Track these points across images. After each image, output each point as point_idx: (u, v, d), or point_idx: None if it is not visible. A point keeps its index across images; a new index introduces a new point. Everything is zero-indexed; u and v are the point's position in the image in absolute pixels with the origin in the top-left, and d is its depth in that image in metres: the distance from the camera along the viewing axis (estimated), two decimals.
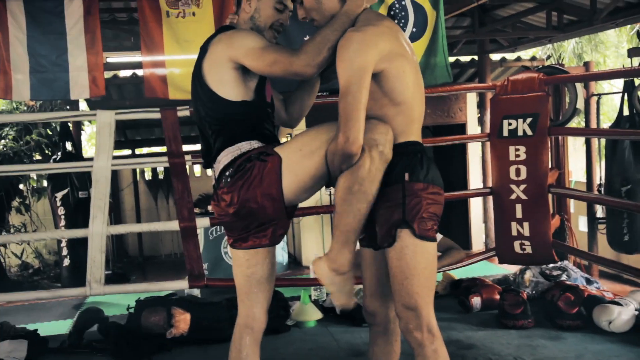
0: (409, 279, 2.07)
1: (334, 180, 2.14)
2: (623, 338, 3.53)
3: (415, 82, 2.14)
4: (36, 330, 3.92)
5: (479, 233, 8.02)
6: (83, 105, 8.31)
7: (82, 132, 7.70)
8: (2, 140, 7.21)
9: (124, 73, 7.82)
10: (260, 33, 2.29)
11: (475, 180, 7.98)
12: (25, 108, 7.39)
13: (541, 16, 6.93)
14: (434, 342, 2.09)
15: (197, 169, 9.39)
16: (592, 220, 5.83)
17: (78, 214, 6.14)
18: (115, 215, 8.40)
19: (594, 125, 6.27)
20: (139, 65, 6.63)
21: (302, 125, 7.15)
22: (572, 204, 6.21)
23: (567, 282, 4.18)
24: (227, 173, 2.19)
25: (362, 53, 1.97)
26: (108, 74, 7.62)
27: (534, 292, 4.30)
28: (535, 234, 3.87)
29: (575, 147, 12.50)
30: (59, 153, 6.34)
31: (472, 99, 8.10)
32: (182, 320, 3.84)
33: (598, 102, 6.33)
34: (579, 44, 13.98)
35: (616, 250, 5.11)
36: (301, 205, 2.58)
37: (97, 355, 3.69)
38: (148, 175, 9.45)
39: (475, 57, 8.10)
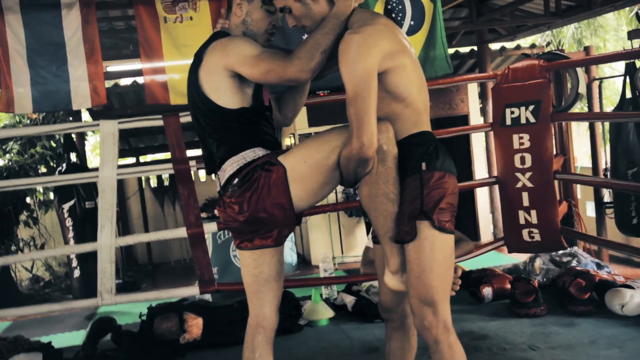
0: (426, 273, 2.05)
1: (346, 181, 2.14)
2: (636, 321, 3.53)
3: (417, 75, 2.14)
4: (50, 342, 3.94)
5: (486, 223, 8.01)
6: (85, 115, 8.34)
7: (85, 142, 7.73)
8: (7, 155, 7.24)
9: (125, 81, 7.84)
10: (254, 37, 2.29)
11: (480, 170, 7.97)
12: (28, 121, 7.41)
13: (539, 3, 6.90)
14: (449, 338, 2.07)
15: (202, 173, 9.41)
16: (600, 204, 5.81)
17: (86, 224, 6.16)
18: (123, 223, 8.41)
19: (597, 109, 6.25)
20: (139, 73, 6.64)
21: (304, 123, 7.17)
22: (579, 189, 6.20)
23: (578, 268, 4.18)
24: (233, 182, 2.19)
25: (364, 55, 1.96)
26: (109, 83, 7.65)
27: (544, 279, 4.29)
28: (543, 222, 3.85)
29: (579, 132, 12.48)
30: (64, 164, 6.36)
31: (473, 89, 8.08)
32: (195, 325, 3.85)
33: (600, 86, 6.31)
34: (578, 29, 13.94)
35: (625, 234, 5.09)
36: None
37: None
38: (153, 183, 9.46)
39: (475, 48, 8.09)
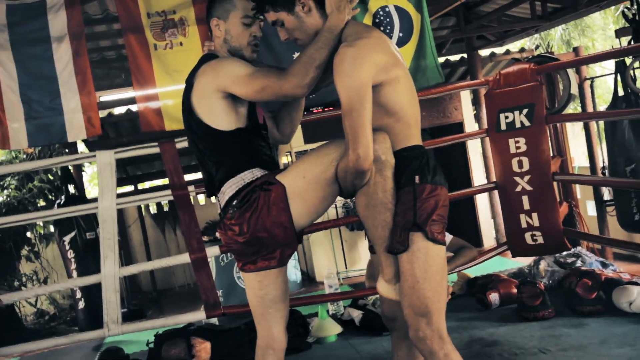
0: (420, 283, 2.05)
1: (345, 193, 2.14)
2: None
3: (409, 88, 2.15)
4: None
5: (488, 229, 8.00)
6: (81, 146, 8.34)
7: (83, 173, 7.73)
8: (5, 191, 7.24)
9: (119, 110, 7.87)
10: (238, 54, 2.29)
11: (478, 177, 7.98)
12: (24, 156, 7.42)
13: (525, 7, 6.96)
14: (444, 347, 2.06)
15: (201, 197, 9.40)
16: (600, 203, 5.82)
17: (88, 256, 6.15)
18: (125, 252, 8.40)
19: (590, 109, 6.27)
20: (132, 101, 6.67)
21: (299, 140, 7.18)
22: (578, 189, 6.20)
23: (583, 268, 4.17)
24: (233, 203, 2.19)
25: (358, 68, 1.97)
26: (103, 113, 7.66)
27: (550, 281, 4.28)
28: (545, 224, 3.85)
29: (574, 133, 12.51)
30: (63, 197, 6.35)
31: (466, 96, 8.11)
32: (203, 350, 3.83)
33: (592, 86, 6.34)
34: (566, 31, 14.02)
35: (628, 231, 5.09)
36: None
37: None
38: (153, 209, 9.46)
39: (465, 55, 8.13)
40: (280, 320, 2.34)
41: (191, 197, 3.78)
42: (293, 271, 6.79)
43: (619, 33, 5.28)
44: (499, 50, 8.64)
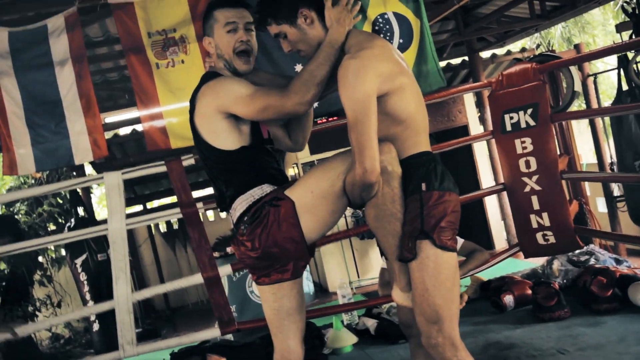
0: (430, 291, 2.05)
1: (355, 204, 2.14)
2: None
3: (415, 94, 2.14)
4: None
5: (499, 231, 7.97)
6: (89, 168, 8.39)
7: (91, 195, 7.76)
8: (16, 216, 7.27)
9: (124, 130, 7.90)
10: (231, 64, 2.28)
11: (486, 178, 7.96)
12: (32, 181, 7.46)
13: (524, 7, 6.96)
14: (457, 355, 2.05)
15: (211, 213, 9.41)
16: (610, 199, 5.79)
17: (100, 277, 6.16)
18: (137, 272, 8.41)
19: (594, 105, 6.26)
20: (137, 121, 6.69)
21: (305, 151, 7.19)
22: (588, 186, 6.18)
23: (597, 266, 4.13)
24: (244, 220, 2.20)
25: (362, 79, 1.96)
26: (108, 134, 7.71)
27: (564, 281, 4.25)
28: (556, 223, 3.83)
29: (580, 130, 12.46)
30: (72, 220, 6.38)
31: (469, 99, 8.11)
32: None
33: (595, 82, 6.33)
34: (566, 28, 14.00)
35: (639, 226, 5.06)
36: None
37: None
38: (163, 228, 9.48)
39: (466, 58, 8.14)
40: (297, 333, 2.33)
41: (200, 214, 3.79)
42: (305, 283, 6.77)
43: (619, 28, 5.27)
44: (500, 51, 8.64)
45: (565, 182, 3.98)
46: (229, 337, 4.65)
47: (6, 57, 3.96)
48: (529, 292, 4.02)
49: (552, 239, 3.88)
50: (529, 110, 3.83)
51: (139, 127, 7.14)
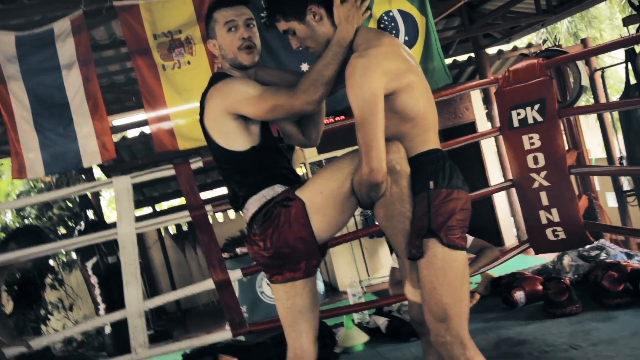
0: (437, 289, 2.04)
1: (364, 204, 2.14)
2: None
3: (424, 91, 2.13)
4: None
5: (508, 227, 7.95)
6: (97, 171, 8.42)
7: (100, 198, 7.79)
8: (26, 220, 7.32)
9: (132, 133, 7.94)
10: (236, 62, 2.28)
11: (494, 175, 7.94)
12: (42, 185, 7.50)
13: (530, 2, 6.94)
14: (465, 353, 2.03)
15: (219, 214, 9.43)
16: (620, 194, 5.76)
17: (111, 280, 6.19)
18: (147, 274, 8.43)
19: (602, 99, 6.23)
20: (144, 123, 6.72)
21: (313, 151, 7.19)
22: (597, 181, 6.15)
23: (608, 261, 4.11)
24: (256, 219, 2.21)
25: (369, 78, 1.96)
26: (116, 137, 7.74)
27: (575, 276, 4.23)
28: (566, 219, 3.81)
29: (588, 125, 12.41)
30: (82, 223, 6.41)
31: (476, 96, 8.10)
32: None
33: (603, 76, 6.31)
34: (572, 23, 13.94)
35: None
36: None
37: None
38: (172, 230, 9.50)
39: (472, 54, 8.12)
40: (309, 331, 2.34)
41: (209, 216, 3.79)
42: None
43: (626, 21, 5.24)
44: (506, 47, 8.62)
45: (574, 177, 3.96)
46: (241, 337, 4.66)
47: (13, 62, 3.99)
48: (540, 288, 4.00)
49: (562, 235, 3.87)
50: (536, 106, 3.81)
51: (146, 129, 7.17)
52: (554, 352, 3.23)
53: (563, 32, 13.93)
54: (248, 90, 2.16)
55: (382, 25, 4.28)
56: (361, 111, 1.97)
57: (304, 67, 4.12)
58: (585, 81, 4.14)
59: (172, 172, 3.70)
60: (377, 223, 2.19)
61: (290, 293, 2.29)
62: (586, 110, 5.54)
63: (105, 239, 3.82)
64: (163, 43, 4.09)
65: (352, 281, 4.71)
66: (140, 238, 8.44)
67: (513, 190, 4.49)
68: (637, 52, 4.67)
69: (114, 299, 6.18)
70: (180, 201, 10.78)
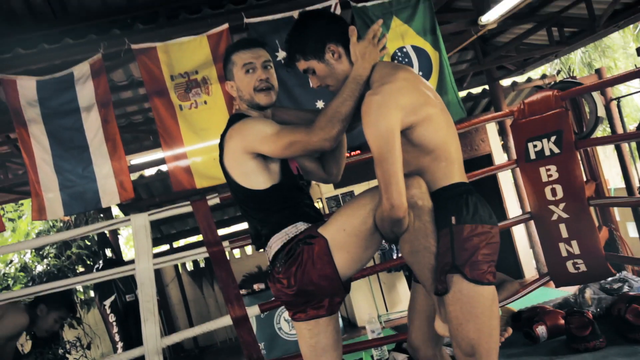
0: (464, 325, 2.03)
1: (388, 239, 2.14)
2: None
3: (444, 123, 2.12)
4: None
5: (528, 259, 7.86)
6: (115, 209, 8.48)
7: (119, 236, 7.83)
8: (45, 260, 7.37)
9: (149, 171, 8.00)
10: (253, 103, 2.31)
11: (512, 206, 7.89)
12: (61, 224, 7.56)
13: (542, 34, 6.97)
14: None
15: (237, 250, 9.42)
16: None
17: (129, 318, 6.19)
18: (165, 311, 8.42)
19: (619, 129, 6.20)
20: (162, 162, 6.78)
21: (329, 186, 7.20)
22: (617, 212, 6.08)
23: (631, 293, 4.04)
24: (279, 257, 2.22)
25: (384, 115, 1.96)
26: (134, 176, 7.81)
27: (598, 309, 4.16)
28: (586, 251, 3.77)
29: (606, 154, 12.34)
30: (100, 261, 6.44)
31: (492, 128, 8.09)
32: None
33: (619, 106, 6.28)
34: (586, 53, 13.98)
35: None
36: None
37: None
38: (190, 266, 9.50)
39: (486, 87, 8.14)
40: None
41: (227, 252, 3.80)
42: None
43: None
44: (520, 78, 8.64)
45: (593, 208, 3.92)
46: None
47: (34, 105, 4.07)
48: (562, 322, 3.94)
49: (582, 267, 3.82)
50: (553, 138, 3.80)
51: (163, 168, 7.24)
52: None
53: (577, 62, 13.96)
54: (265, 129, 2.18)
55: (396, 62, 4.32)
56: (379, 148, 1.98)
57: (319, 104, 4.16)
58: (601, 112, 4.14)
59: (189, 208, 3.72)
60: (399, 255, 2.18)
61: (314, 331, 2.29)
62: (603, 141, 5.52)
63: (123, 275, 3.83)
64: (180, 84, 4.15)
65: (370, 317, 4.67)
66: (158, 275, 8.46)
67: (532, 222, 4.45)
68: None
69: (132, 338, 6.18)
70: (197, 238, 10.79)
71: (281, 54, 4.12)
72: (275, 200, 2.25)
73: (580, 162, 4.12)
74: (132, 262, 3.82)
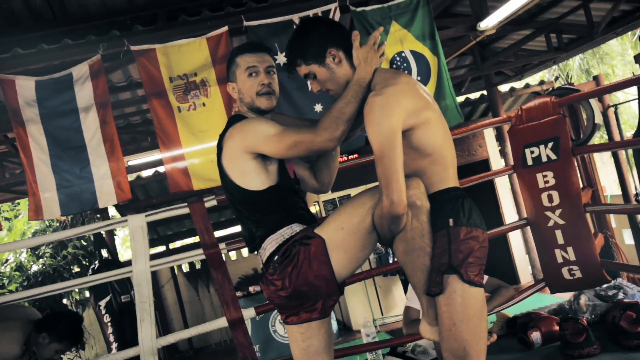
0: (457, 325, 2.04)
1: (384, 240, 2.15)
2: None
3: (441, 128, 2.16)
4: None
5: (524, 265, 7.87)
6: (112, 210, 8.47)
7: (115, 237, 7.82)
8: (40, 259, 7.35)
9: (146, 172, 7.99)
10: (254, 106, 2.32)
11: (508, 211, 7.90)
12: (57, 224, 7.55)
13: (541, 40, 6.99)
14: None
15: (233, 253, 9.43)
16: (637, 231, 5.70)
17: (124, 319, 6.18)
18: (160, 312, 8.41)
19: (616, 135, 6.21)
20: (159, 163, 6.78)
21: None
22: (613, 218, 6.09)
23: (626, 300, 4.05)
24: (274, 259, 2.21)
25: (387, 115, 2.00)
26: (131, 177, 7.81)
27: (593, 316, 4.17)
28: (582, 257, 3.78)
29: (603, 161, 12.37)
30: (96, 262, 6.43)
31: (489, 133, 8.11)
32: None
33: (616, 113, 6.30)
34: (584, 60, 14.01)
35: None
36: None
37: None
38: (186, 268, 9.51)
39: (484, 92, 8.15)
40: None
41: (223, 254, 3.80)
42: None
43: (638, 58, 5.26)
44: (518, 84, 8.66)
45: (589, 215, 3.93)
46: None
47: (33, 106, 4.06)
48: (557, 328, 3.95)
49: (578, 274, 3.83)
50: (550, 144, 3.81)
51: (161, 169, 7.23)
52: None
53: (575, 68, 14.00)
54: (269, 129, 2.18)
55: (394, 66, 4.33)
56: (381, 146, 2.00)
57: (318, 107, 4.16)
58: (598, 119, 4.15)
59: (186, 210, 3.72)
60: (395, 260, 2.19)
61: (306, 334, 2.29)
62: (600, 148, 5.54)
63: (120, 277, 3.83)
64: (179, 86, 4.15)
65: (365, 321, 4.67)
66: (154, 276, 8.42)
67: (528, 227, 4.46)
68: None
69: (127, 338, 6.16)
70: (193, 239, 10.80)
71: (280, 58, 4.13)
72: (271, 201, 2.25)
73: (577, 168, 4.13)
74: (128, 263, 3.81)
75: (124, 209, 7.48)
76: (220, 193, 3.42)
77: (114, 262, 6.56)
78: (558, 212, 3.80)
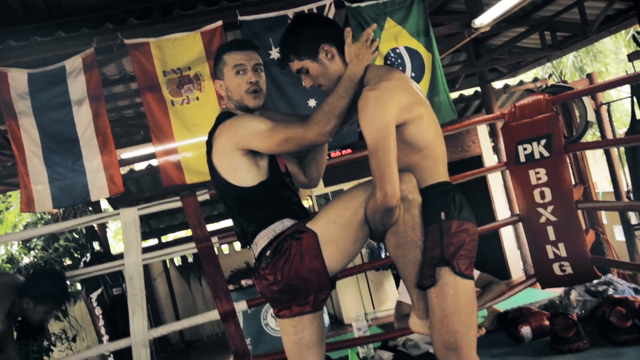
0: (449, 317, 2.06)
1: (375, 234, 2.16)
2: None
3: (433, 124, 2.19)
4: None
5: (515, 260, 7.91)
6: (104, 203, 8.45)
7: (107, 229, 7.81)
8: (32, 252, 7.33)
9: (139, 166, 7.98)
10: (241, 104, 2.32)
11: (501, 208, 7.93)
12: (49, 216, 7.53)
13: (535, 37, 7.01)
14: None
15: (225, 246, 9.43)
16: (628, 227, 5.74)
17: (115, 311, 6.17)
18: (152, 305, 8.41)
19: (608, 133, 6.25)
20: (152, 156, 6.78)
21: (320, 184, 7.21)
22: (604, 215, 6.13)
23: (616, 296, 4.08)
24: (266, 254, 2.21)
25: (381, 109, 2.02)
26: (124, 170, 7.80)
27: (583, 311, 4.20)
28: (573, 253, 3.80)
29: (595, 159, 12.41)
30: (88, 254, 6.42)
31: (483, 129, 8.13)
32: None
33: (609, 110, 6.33)
34: (578, 57, 14.04)
35: None
36: None
37: None
38: (178, 261, 9.50)
39: (478, 89, 8.17)
40: None
41: (215, 248, 3.80)
42: None
43: (631, 57, 5.28)
44: (512, 81, 8.68)
45: (581, 211, 3.96)
46: None
47: (25, 98, 4.04)
48: (547, 323, 3.97)
49: (569, 270, 3.85)
50: (543, 141, 3.83)
51: (154, 162, 7.22)
52: None
53: (569, 66, 14.03)
54: (259, 125, 2.18)
55: (389, 62, 4.33)
56: (375, 140, 2.02)
57: (311, 102, 4.16)
58: (591, 116, 4.17)
59: (179, 204, 3.72)
60: (387, 254, 2.21)
61: (298, 328, 2.30)
62: (593, 145, 5.56)
63: (113, 270, 3.83)
64: (172, 79, 4.14)
65: (357, 315, 4.69)
66: (146, 269, 8.42)
67: (520, 223, 4.48)
68: None
69: (118, 331, 6.16)
70: (186, 233, 10.79)
71: (275, 52, 4.12)
72: (262, 196, 2.25)
73: (569, 166, 4.15)
74: (120, 255, 3.81)
75: (116, 202, 7.45)
76: (212, 187, 3.42)
77: (105, 255, 6.55)
78: (550, 208, 3.83)
